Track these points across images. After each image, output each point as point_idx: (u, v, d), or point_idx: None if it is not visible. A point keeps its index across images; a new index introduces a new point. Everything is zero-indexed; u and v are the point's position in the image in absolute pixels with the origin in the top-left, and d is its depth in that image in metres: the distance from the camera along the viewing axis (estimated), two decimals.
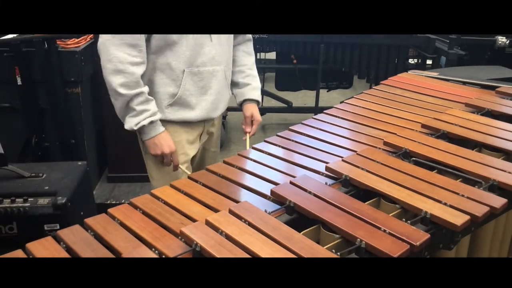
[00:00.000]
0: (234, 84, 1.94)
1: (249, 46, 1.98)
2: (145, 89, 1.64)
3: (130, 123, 1.64)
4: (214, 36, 1.72)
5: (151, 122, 1.65)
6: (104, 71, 1.61)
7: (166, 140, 1.71)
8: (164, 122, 1.73)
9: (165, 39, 1.64)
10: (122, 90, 1.59)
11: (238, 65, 1.95)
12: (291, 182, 1.25)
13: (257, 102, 1.95)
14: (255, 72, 1.98)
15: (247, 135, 1.92)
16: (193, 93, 1.74)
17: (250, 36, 1.98)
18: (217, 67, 1.77)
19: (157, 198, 1.24)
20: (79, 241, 1.06)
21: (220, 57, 1.77)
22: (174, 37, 1.64)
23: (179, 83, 1.71)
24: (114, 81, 1.59)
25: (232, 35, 1.84)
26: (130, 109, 1.63)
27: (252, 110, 1.93)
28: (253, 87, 1.94)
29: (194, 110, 1.75)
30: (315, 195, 1.18)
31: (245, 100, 1.93)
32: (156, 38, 1.64)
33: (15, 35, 2.63)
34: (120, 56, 1.57)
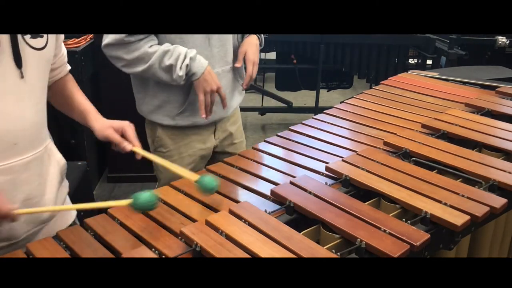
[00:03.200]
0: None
1: None
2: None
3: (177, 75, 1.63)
4: (213, 37, 1.70)
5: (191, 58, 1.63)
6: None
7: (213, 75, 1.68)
8: (174, 128, 1.76)
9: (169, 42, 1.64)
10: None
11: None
12: (291, 182, 1.25)
13: (257, 39, 1.83)
14: None
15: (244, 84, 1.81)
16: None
17: None
18: (226, 67, 1.76)
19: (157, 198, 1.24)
20: (79, 241, 1.06)
21: (227, 56, 1.76)
22: (177, 41, 1.64)
23: (187, 90, 1.71)
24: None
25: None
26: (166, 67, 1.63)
27: (245, 47, 1.78)
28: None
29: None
30: (315, 195, 1.18)
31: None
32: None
33: None
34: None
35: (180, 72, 1.61)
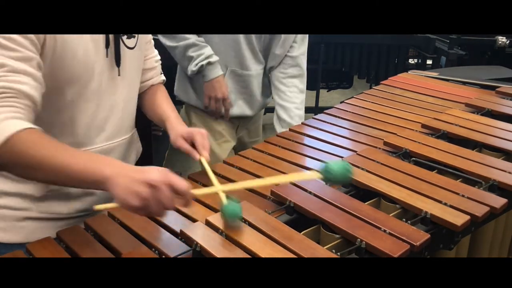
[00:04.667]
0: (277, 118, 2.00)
1: (303, 82, 2.01)
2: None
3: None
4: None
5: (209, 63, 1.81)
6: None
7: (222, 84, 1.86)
8: (206, 113, 1.94)
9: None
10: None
11: (288, 101, 1.96)
12: (291, 182, 1.25)
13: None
14: (301, 112, 1.98)
15: None
16: (232, 91, 1.91)
17: (305, 70, 2.01)
18: (258, 67, 1.93)
19: None
20: (79, 241, 1.06)
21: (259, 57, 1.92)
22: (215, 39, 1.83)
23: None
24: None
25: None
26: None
27: None
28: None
29: (233, 108, 1.92)
30: (315, 195, 1.18)
31: None
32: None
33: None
34: None
35: (194, 68, 1.81)
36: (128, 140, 1.30)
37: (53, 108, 1.11)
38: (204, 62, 1.79)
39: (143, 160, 1.86)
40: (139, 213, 0.92)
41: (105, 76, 1.16)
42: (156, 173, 0.90)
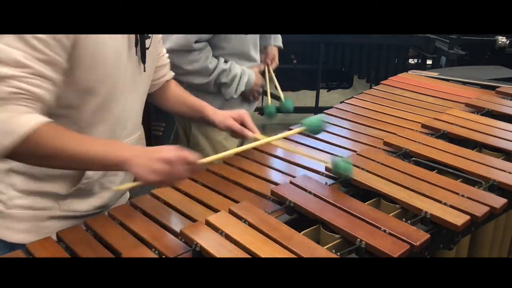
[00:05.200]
0: None
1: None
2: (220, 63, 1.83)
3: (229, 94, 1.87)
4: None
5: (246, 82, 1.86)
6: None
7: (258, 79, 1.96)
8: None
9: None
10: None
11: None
12: (291, 182, 1.25)
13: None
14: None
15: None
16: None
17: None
18: (254, 63, 1.98)
19: (157, 198, 1.24)
20: (79, 241, 1.06)
21: (256, 54, 1.98)
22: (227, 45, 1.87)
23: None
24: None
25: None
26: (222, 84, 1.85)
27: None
28: None
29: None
30: (315, 195, 1.18)
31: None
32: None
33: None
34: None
35: (235, 95, 1.86)
36: (139, 136, 1.33)
37: (86, 111, 1.12)
38: (242, 88, 1.86)
39: None
40: (160, 185, 1.09)
41: (129, 74, 1.18)
42: (169, 151, 1.05)
